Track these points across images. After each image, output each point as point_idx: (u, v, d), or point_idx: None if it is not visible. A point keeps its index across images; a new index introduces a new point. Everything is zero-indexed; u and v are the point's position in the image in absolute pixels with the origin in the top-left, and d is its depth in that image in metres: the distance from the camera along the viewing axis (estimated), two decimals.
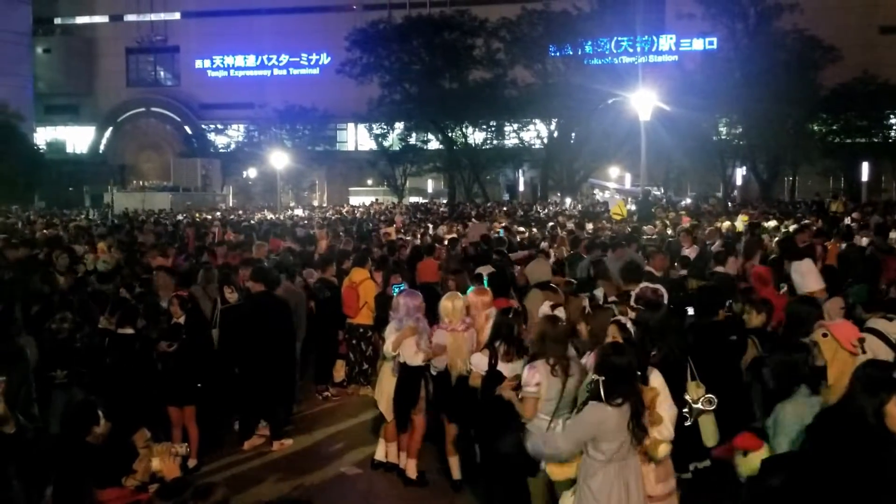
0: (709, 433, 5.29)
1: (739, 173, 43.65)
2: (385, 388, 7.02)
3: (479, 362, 6.06)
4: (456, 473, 6.76)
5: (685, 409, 5.05)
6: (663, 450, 4.57)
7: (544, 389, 5.11)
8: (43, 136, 60.68)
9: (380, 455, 7.26)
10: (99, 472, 4.58)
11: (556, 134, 44.24)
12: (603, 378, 4.28)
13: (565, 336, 5.39)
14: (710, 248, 12.30)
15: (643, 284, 6.62)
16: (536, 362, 5.25)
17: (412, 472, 6.90)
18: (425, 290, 8.09)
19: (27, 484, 2.83)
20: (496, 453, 5.68)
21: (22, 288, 8.44)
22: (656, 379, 4.73)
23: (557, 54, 42.76)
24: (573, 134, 43.50)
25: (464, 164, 45.80)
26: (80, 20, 65.45)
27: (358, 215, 31.20)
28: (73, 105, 63.90)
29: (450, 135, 45.27)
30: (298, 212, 36.70)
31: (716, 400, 5.13)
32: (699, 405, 5.11)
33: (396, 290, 8.00)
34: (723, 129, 40.14)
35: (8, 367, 2.75)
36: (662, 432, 4.56)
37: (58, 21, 65.76)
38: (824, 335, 4.26)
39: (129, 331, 7.03)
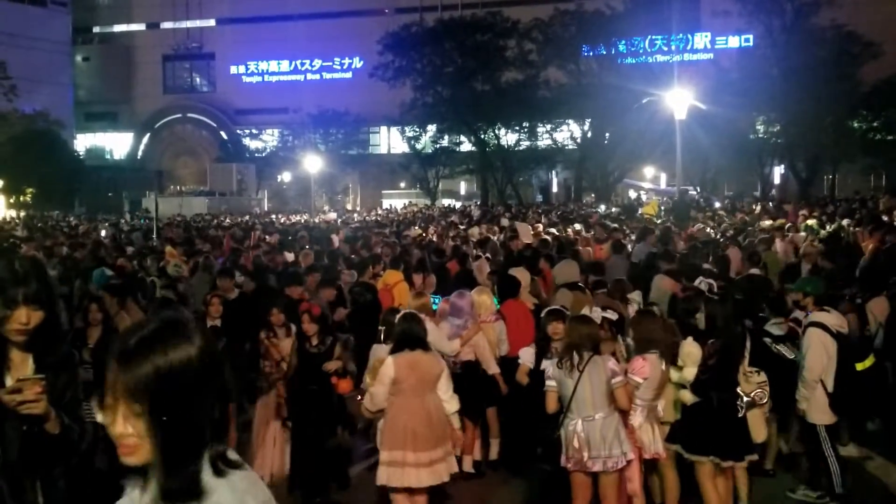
0: (756, 428, 5.52)
1: (777, 172, 42.92)
2: None
3: (527, 357, 6.22)
4: (468, 466, 6.83)
5: (738, 402, 5.35)
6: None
7: (555, 383, 5.36)
8: (83, 142, 61.84)
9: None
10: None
11: (589, 134, 43.84)
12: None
13: (584, 336, 5.35)
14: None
15: (700, 279, 6.89)
16: (554, 358, 5.50)
17: (468, 466, 6.84)
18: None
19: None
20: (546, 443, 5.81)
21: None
22: None
23: (591, 54, 42.36)
24: (607, 134, 43.04)
25: (496, 166, 45.53)
26: (118, 28, 66.67)
27: (396, 217, 31.37)
28: (112, 112, 65.05)
29: (482, 137, 45.06)
30: (332, 215, 36.95)
31: (765, 395, 5.43)
32: (750, 398, 5.39)
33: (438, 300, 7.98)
34: (760, 128, 39.47)
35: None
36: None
37: (96, 30, 67.03)
38: None
39: None
